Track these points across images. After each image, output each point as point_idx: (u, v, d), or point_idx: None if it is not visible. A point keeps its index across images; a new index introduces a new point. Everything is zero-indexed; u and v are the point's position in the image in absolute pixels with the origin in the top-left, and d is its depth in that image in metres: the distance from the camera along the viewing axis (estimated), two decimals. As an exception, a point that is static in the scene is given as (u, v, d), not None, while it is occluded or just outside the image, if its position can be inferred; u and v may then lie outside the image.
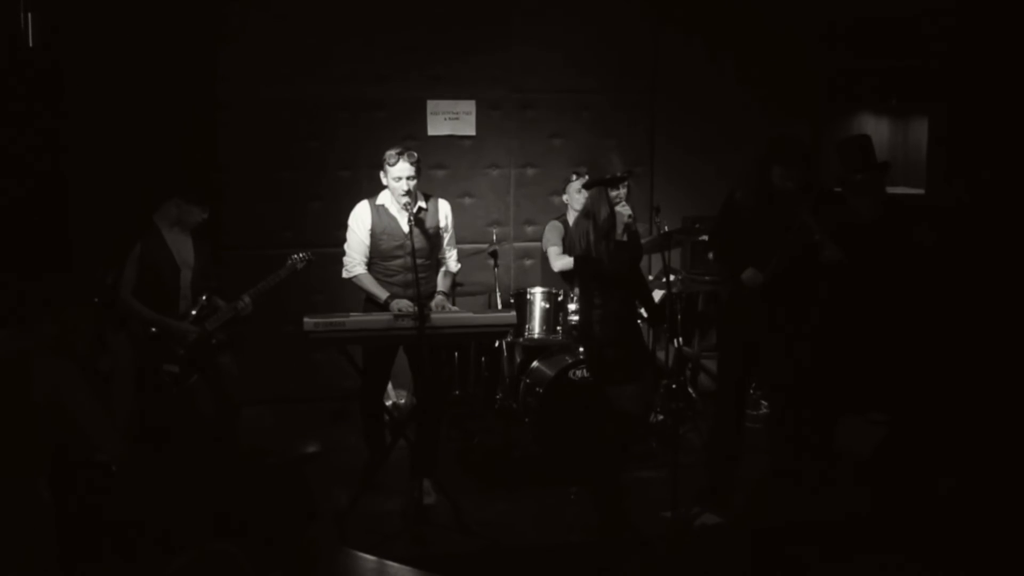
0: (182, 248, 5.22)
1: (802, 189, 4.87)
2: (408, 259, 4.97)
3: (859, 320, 5.22)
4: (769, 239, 4.85)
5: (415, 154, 5.05)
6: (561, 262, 5.82)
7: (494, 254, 6.21)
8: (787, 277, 4.93)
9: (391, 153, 5.04)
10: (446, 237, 5.27)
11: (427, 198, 5.20)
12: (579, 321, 5.27)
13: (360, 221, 5.15)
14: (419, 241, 5.02)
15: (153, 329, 5.10)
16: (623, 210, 4.76)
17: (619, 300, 4.85)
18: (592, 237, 4.77)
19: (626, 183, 4.80)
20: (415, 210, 4.99)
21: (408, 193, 4.99)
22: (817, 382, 5.33)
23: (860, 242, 5.05)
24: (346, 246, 5.21)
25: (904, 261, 5.17)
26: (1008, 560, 4.39)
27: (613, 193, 4.76)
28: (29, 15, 4.52)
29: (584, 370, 5.55)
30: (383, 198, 5.16)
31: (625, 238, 4.81)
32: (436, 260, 5.26)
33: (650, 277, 6.52)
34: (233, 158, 6.65)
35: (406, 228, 5.04)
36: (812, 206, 4.86)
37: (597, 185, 4.80)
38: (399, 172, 4.99)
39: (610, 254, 4.75)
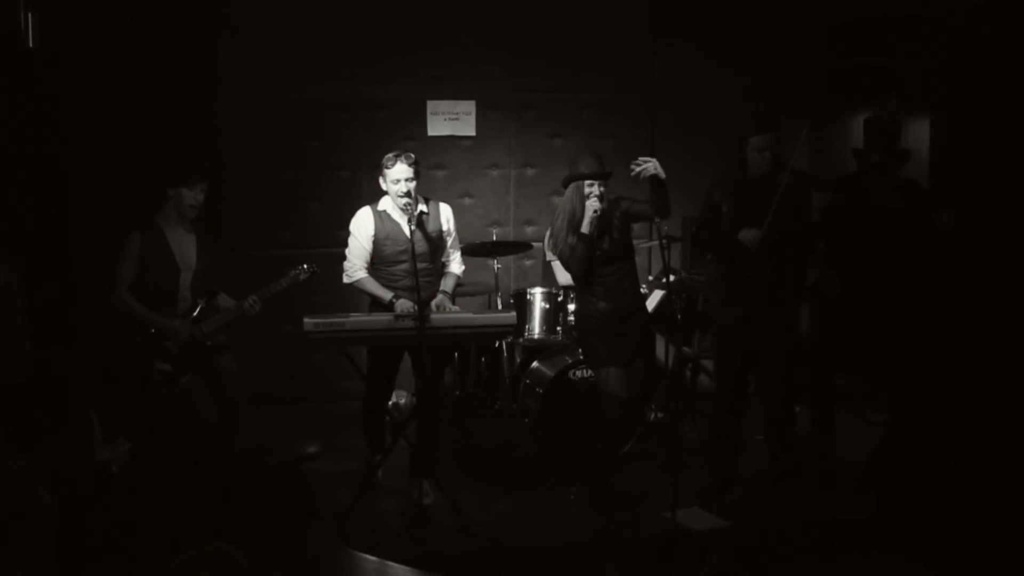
0: (185, 249, 5.21)
1: (778, 165, 4.93)
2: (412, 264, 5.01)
3: (868, 313, 5.18)
4: (754, 224, 4.87)
5: (412, 155, 5.04)
6: (565, 276, 5.78)
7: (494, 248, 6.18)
8: (776, 278, 4.96)
9: (388, 156, 5.03)
10: (449, 240, 5.27)
11: (427, 201, 5.19)
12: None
13: (362, 227, 5.14)
14: (422, 245, 5.03)
15: (152, 330, 5.10)
16: (591, 204, 4.86)
17: (591, 290, 5.01)
18: (562, 233, 4.99)
19: (598, 181, 4.89)
20: (416, 213, 4.99)
21: (407, 195, 4.98)
22: (816, 381, 5.33)
23: (872, 226, 5.04)
24: (347, 251, 5.21)
25: (921, 250, 5.12)
26: (1008, 560, 4.39)
27: (586, 191, 4.89)
28: (29, 15, 4.51)
29: (584, 370, 5.57)
30: (385, 203, 5.15)
31: (594, 232, 4.89)
32: (439, 263, 5.26)
33: (650, 277, 6.52)
34: (234, 158, 6.65)
35: (409, 233, 5.02)
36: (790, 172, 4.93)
37: (569, 182, 4.98)
38: (397, 174, 4.98)
39: (571, 248, 4.93)
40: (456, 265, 5.31)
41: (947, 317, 5.28)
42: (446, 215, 5.25)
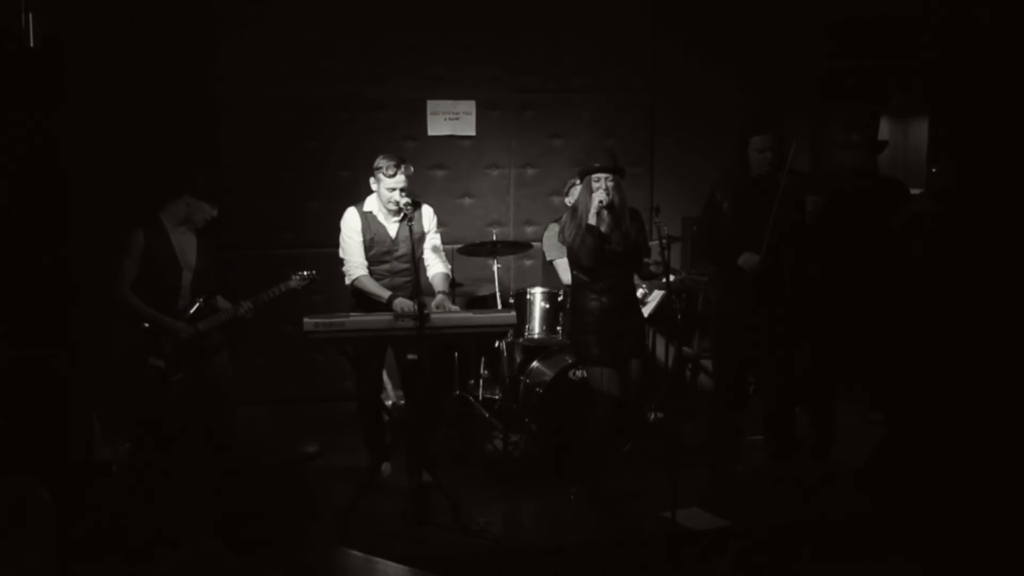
0: (186, 248, 5.21)
1: (779, 165, 4.93)
2: (395, 263, 5.20)
3: (849, 301, 5.19)
4: (755, 228, 4.87)
5: (412, 167, 5.14)
6: (568, 275, 5.78)
7: (494, 248, 6.17)
8: (774, 285, 4.96)
9: (389, 164, 5.05)
10: (428, 240, 5.32)
11: (413, 204, 5.20)
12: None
13: (352, 227, 5.22)
14: (405, 246, 5.11)
15: (146, 324, 5.10)
16: (597, 195, 4.88)
17: (591, 287, 5.00)
18: (568, 223, 5.02)
19: (608, 175, 4.90)
20: (409, 214, 5.00)
21: (398, 202, 5.05)
22: (814, 381, 5.33)
23: (845, 209, 5.06)
24: (342, 253, 5.24)
25: (888, 234, 5.15)
26: (1008, 560, 4.38)
27: (595, 185, 4.89)
28: (29, 15, 4.51)
29: (584, 370, 5.56)
30: (370, 205, 5.22)
31: (600, 225, 4.89)
32: (420, 264, 5.28)
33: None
34: (233, 158, 6.65)
35: (393, 234, 5.19)
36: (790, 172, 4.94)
37: (583, 176, 5.01)
38: (395, 183, 5.06)
39: (580, 240, 4.92)
40: (442, 265, 5.35)
41: (936, 317, 5.28)
42: (429, 217, 5.34)
